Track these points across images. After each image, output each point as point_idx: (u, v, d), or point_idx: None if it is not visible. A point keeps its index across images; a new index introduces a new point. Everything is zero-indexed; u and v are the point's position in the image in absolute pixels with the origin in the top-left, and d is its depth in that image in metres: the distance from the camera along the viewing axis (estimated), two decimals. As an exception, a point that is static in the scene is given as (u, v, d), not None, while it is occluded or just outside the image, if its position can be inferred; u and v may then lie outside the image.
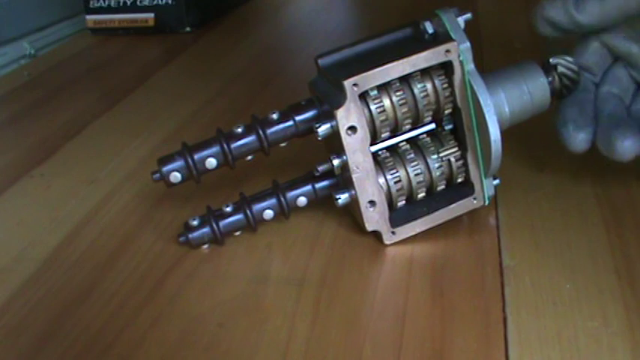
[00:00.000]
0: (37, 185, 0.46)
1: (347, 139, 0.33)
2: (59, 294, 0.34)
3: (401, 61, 0.33)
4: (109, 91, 0.63)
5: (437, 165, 0.35)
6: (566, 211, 0.37)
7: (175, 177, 0.35)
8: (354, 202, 0.35)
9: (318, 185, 0.37)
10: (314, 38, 0.76)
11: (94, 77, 0.68)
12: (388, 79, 0.33)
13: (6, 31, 0.76)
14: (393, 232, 0.35)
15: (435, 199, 0.36)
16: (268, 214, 0.37)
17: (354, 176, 0.34)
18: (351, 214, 0.38)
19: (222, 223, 0.36)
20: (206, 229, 0.36)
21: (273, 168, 0.42)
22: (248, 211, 0.36)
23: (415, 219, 0.36)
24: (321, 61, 0.35)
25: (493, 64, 0.61)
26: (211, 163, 0.35)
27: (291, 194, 0.37)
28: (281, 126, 0.35)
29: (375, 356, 0.29)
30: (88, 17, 0.81)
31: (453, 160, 0.36)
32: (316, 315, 0.31)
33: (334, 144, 0.34)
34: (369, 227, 0.35)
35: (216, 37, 0.78)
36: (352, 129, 0.33)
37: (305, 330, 0.30)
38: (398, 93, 0.34)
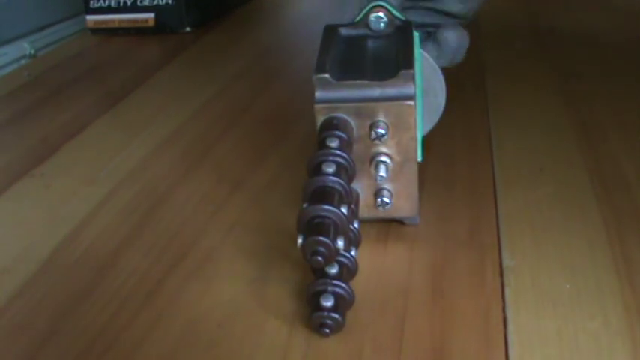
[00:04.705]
0: (37, 185, 0.46)
1: None
2: (59, 294, 0.34)
3: None
4: (109, 91, 0.63)
5: None
6: (566, 211, 0.37)
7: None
8: None
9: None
10: (314, 38, 0.76)
11: (94, 77, 0.68)
12: None
13: (6, 31, 0.76)
14: None
15: None
16: None
17: None
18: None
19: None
20: None
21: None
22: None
23: None
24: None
25: (493, 64, 0.61)
26: None
27: None
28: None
29: (375, 356, 0.29)
30: (88, 17, 0.81)
31: None
32: (316, 315, 0.31)
33: None
34: None
35: (216, 37, 0.78)
36: None
37: (305, 330, 0.30)
38: None
